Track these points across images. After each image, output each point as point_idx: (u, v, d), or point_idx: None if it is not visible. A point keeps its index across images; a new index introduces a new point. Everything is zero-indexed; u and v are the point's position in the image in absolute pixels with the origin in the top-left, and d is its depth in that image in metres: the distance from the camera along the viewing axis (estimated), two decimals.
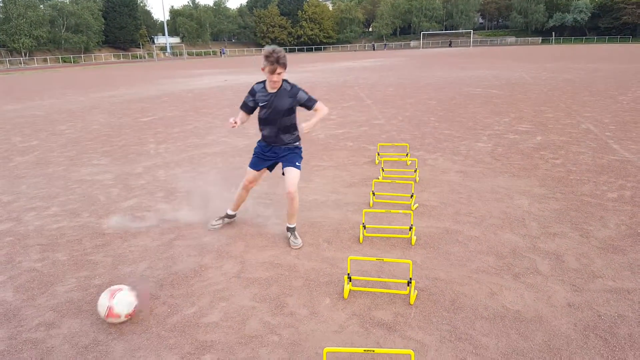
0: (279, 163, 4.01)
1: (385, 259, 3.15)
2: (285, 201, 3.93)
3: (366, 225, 4.06)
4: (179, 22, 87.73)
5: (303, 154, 4.06)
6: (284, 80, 3.73)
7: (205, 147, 7.82)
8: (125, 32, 76.98)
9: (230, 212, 4.32)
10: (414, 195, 4.82)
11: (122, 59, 72.68)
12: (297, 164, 3.87)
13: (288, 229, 3.98)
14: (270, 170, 4.14)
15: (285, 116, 3.76)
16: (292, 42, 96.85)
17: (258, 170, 4.03)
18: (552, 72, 20.82)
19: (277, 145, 3.91)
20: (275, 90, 3.71)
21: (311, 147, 7.50)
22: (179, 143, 8.24)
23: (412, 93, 14.52)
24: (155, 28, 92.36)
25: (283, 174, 3.91)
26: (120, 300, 2.81)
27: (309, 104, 3.79)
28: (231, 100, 14.57)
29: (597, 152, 6.69)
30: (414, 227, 3.97)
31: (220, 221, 4.31)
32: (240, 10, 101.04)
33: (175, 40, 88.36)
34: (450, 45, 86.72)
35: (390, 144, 7.42)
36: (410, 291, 3.02)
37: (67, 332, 2.82)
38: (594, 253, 3.65)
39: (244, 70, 32.29)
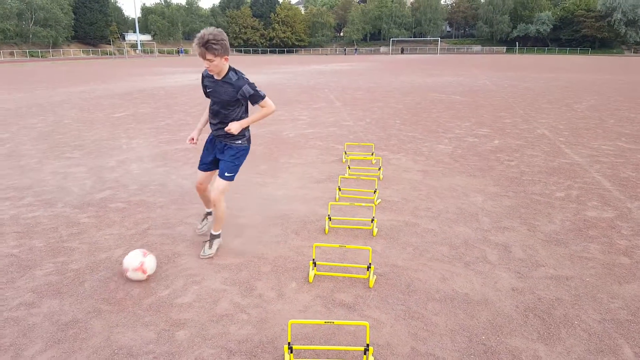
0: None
1: (347, 246, 3.41)
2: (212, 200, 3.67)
3: (332, 217, 4.33)
4: (150, 19, 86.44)
5: (247, 157, 3.72)
6: (231, 70, 3.39)
7: (177, 143, 7.94)
8: (95, 27, 75.45)
9: (207, 210, 4.17)
10: (377, 191, 5.12)
11: (91, 55, 71.14)
12: (226, 174, 3.55)
13: (210, 235, 3.79)
14: (217, 169, 3.72)
15: (228, 108, 3.44)
16: (265, 44, 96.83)
17: (204, 170, 3.79)
18: (514, 80, 21.72)
19: (218, 139, 3.63)
20: (219, 78, 3.39)
21: (281, 145, 7.74)
22: (151, 139, 8.32)
23: (380, 97, 14.93)
24: (126, 25, 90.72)
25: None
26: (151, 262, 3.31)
27: (254, 100, 3.40)
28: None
29: (549, 155, 7.18)
30: (375, 220, 4.26)
31: (205, 221, 4.17)
32: (212, 10, 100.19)
33: (147, 37, 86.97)
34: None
35: (356, 143, 7.74)
36: (369, 275, 3.30)
37: (47, 311, 2.96)
38: (539, 245, 4.01)
39: None
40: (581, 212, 4.80)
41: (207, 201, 4.01)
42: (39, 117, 10.78)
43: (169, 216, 4.60)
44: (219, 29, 3.20)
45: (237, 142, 3.58)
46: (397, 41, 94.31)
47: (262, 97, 3.41)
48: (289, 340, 2.42)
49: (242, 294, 3.18)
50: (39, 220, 4.47)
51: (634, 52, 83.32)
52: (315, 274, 3.38)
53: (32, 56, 63.13)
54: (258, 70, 32.23)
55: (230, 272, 3.47)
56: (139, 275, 3.26)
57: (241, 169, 3.74)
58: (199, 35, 3.14)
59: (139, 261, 3.24)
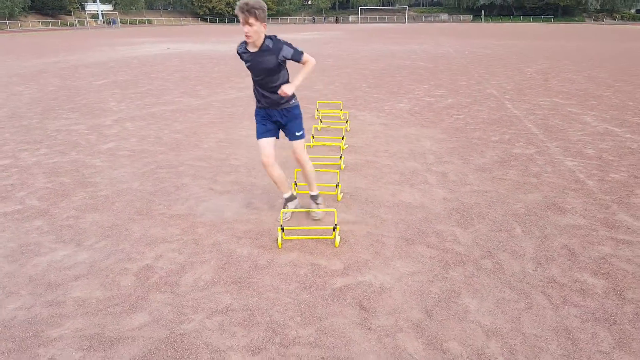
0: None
1: (321, 170, 4.42)
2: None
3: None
4: None
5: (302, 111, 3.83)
6: (267, 37, 3.38)
7: (163, 106, 8.73)
8: None
9: (285, 196, 3.97)
10: (345, 138, 6.14)
11: (51, 27, 68.70)
12: (297, 134, 3.71)
13: (311, 196, 4.00)
14: (277, 136, 3.83)
15: (272, 75, 3.45)
16: (231, 13, 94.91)
17: (266, 137, 3.72)
18: (475, 47, 22.89)
19: (272, 109, 3.64)
20: (256, 50, 3.39)
21: None
22: (137, 102, 9.07)
23: (348, 64, 15.83)
24: None
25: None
26: None
27: (296, 58, 3.45)
28: (178, 66, 15.21)
29: (493, 110, 8.33)
30: (342, 157, 5.29)
31: (288, 208, 3.98)
32: None
33: (107, 7, 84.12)
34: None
35: (327, 101, 8.72)
36: (337, 192, 4.34)
37: (91, 220, 3.89)
38: (469, 172, 5.13)
39: (184, 39, 32.18)
40: (508, 150, 5.96)
41: (280, 183, 3.86)
42: (24, 86, 11.27)
43: (170, 160, 5.51)
44: None
45: (291, 102, 3.65)
46: (365, 9, 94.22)
47: (302, 53, 3.46)
48: (281, 223, 3.45)
49: (242, 206, 4.18)
50: (60, 165, 5.32)
51: (594, 20, 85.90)
52: (297, 193, 4.39)
53: None
54: (229, 39, 32.38)
55: (230, 195, 4.45)
56: None
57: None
58: (241, 2, 3.17)
59: None
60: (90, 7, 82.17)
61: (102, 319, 2.64)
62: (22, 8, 68.44)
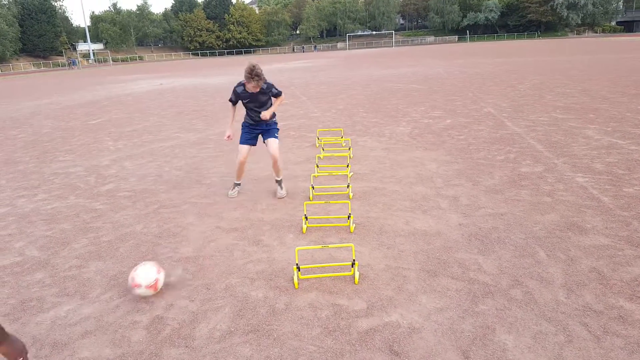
0: (260, 139, 5.27)
1: (331, 201, 4.27)
2: (270, 162, 5.39)
3: (314, 186, 5.19)
4: (101, 27, 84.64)
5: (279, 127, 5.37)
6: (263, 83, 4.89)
7: (161, 142, 8.61)
8: (44, 39, 73.75)
9: (237, 181, 5.40)
10: (349, 165, 6.01)
11: (42, 68, 69.24)
12: (275, 135, 5.20)
13: (276, 181, 5.35)
14: (254, 144, 5.24)
15: (263, 106, 5.02)
16: (221, 46, 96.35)
17: (247, 144, 5.19)
18: (465, 67, 23.12)
19: (261, 123, 5.14)
20: (256, 91, 4.86)
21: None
22: (134, 140, 8.94)
23: (342, 90, 15.87)
24: (76, 35, 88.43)
25: (264, 142, 5.20)
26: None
27: (276, 95, 5.08)
28: (172, 102, 15.18)
29: (493, 128, 8.27)
30: (350, 185, 5.15)
31: (236, 190, 5.39)
32: (165, 14, 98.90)
33: (99, 46, 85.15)
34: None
35: (327, 129, 8.64)
36: (349, 223, 4.18)
37: (95, 269, 3.70)
38: (481, 194, 5.00)
39: (176, 74, 32.39)
40: (516, 169, 5.84)
41: (240, 174, 5.33)
42: (17, 129, 11.15)
43: (173, 198, 5.35)
44: (256, 63, 4.67)
45: (274, 120, 5.23)
46: (353, 36, 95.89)
47: (280, 93, 5.12)
48: (297, 262, 3.27)
49: (252, 245, 4.00)
50: (59, 210, 5.14)
51: (576, 34, 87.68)
52: (307, 227, 4.23)
53: None
54: (220, 72, 32.62)
55: (238, 232, 4.28)
56: (149, 292, 3.21)
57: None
58: (251, 71, 4.60)
59: (153, 278, 3.19)
60: (82, 47, 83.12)
61: None
62: (14, 51, 69.15)
